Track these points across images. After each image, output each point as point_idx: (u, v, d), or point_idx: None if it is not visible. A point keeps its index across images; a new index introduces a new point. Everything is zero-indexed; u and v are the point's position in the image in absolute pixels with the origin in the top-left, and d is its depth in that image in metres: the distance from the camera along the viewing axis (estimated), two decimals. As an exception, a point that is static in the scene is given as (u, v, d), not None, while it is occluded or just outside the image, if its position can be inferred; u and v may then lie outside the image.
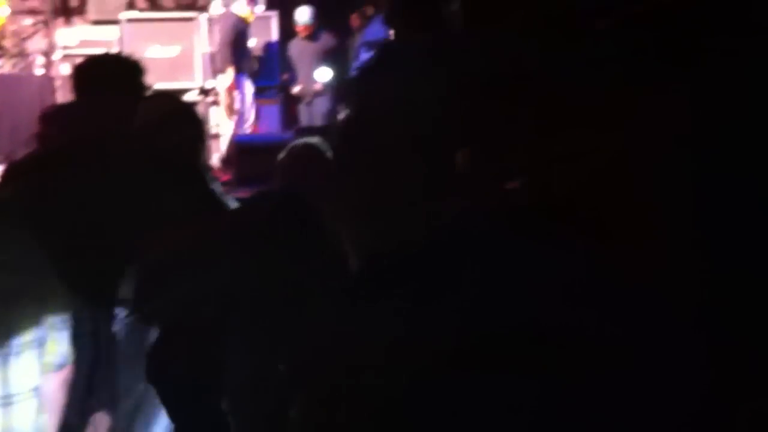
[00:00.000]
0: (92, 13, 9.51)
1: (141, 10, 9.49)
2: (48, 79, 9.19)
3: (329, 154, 3.58)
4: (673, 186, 1.37)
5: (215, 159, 8.63)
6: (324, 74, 9.69)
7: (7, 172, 3.58)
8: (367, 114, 1.95)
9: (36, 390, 2.47)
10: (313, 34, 9.71)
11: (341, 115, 6.94)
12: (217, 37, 9.12)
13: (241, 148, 8.14)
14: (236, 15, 9.10)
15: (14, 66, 9.53)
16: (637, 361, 1.36)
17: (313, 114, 9.77)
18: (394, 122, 1.73)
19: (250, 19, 9.20)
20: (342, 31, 10.14)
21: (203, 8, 9.39)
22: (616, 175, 1.40)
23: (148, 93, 3.69)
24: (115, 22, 9.16)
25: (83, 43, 9.10)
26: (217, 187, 3.60)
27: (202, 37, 9.13)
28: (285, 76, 10.10)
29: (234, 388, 2.89)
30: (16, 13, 9.61)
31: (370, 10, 9.93)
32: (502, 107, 1.54)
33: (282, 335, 2.65)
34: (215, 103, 9.03)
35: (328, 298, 2.24)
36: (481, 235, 1.45)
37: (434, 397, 1.38)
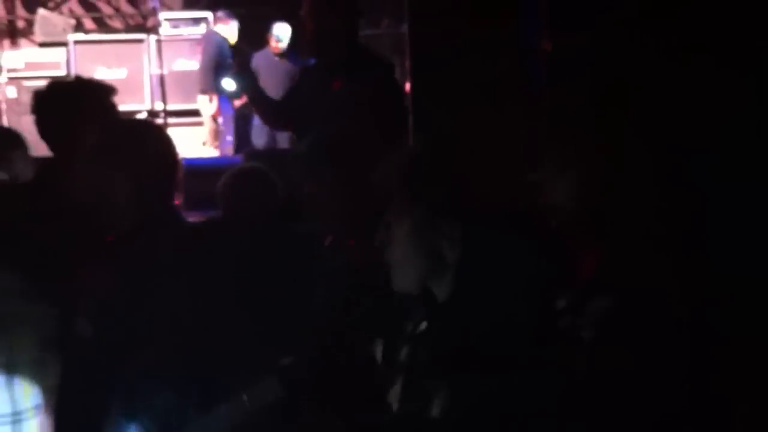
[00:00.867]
0: (39, 35, 9.41)
1: (88, 31, 9.39)
2: (-7, 102, 9.06)
3: (271, 177, 3.57)
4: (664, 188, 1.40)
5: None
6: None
7: None
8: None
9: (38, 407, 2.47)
10: (286, 53, 9.59)
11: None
12: (198, 57, 8.99)
13: (189, 171, 8.07)
14: (220, 36, 8.91)
15: (-41, 88, 9.40)
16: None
17: (269, 132, 9.58)
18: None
19: (233, 40, 8.94)
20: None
21: (153, 30, 9.32)
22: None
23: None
24: (62, 44, 9.09)
25: (29, 66, 9.01)
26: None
27: (151, 59, 9.07)
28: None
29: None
30: (-38, 35, 9.49)
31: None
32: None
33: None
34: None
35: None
36: None
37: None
